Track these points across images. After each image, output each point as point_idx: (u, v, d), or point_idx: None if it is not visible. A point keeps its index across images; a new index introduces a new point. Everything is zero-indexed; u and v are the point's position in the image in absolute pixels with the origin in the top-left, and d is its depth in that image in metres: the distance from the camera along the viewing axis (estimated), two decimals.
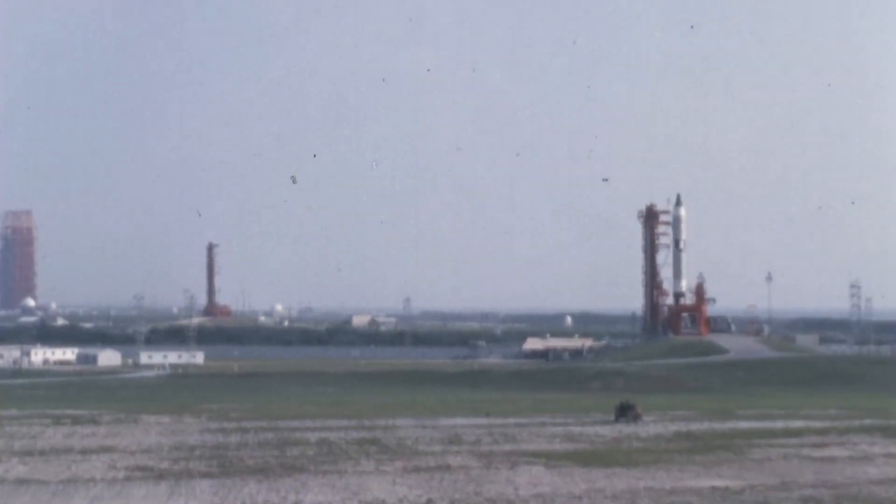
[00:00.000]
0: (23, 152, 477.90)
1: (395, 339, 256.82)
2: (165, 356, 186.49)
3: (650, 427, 65.17)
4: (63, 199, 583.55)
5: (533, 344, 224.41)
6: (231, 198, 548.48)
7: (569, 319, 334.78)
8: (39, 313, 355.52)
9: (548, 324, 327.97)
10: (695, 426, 66.41)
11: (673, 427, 65.42)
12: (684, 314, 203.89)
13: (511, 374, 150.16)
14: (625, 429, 64.16)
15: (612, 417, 69.33)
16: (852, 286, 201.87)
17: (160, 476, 44.73)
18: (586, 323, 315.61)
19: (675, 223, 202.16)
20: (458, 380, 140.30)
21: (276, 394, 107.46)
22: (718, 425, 67.35)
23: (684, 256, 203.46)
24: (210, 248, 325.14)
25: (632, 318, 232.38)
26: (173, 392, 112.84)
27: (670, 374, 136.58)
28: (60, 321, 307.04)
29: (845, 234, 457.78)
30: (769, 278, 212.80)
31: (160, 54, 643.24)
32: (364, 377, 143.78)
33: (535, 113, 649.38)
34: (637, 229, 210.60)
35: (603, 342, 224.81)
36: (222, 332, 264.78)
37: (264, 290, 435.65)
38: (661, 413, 74.59)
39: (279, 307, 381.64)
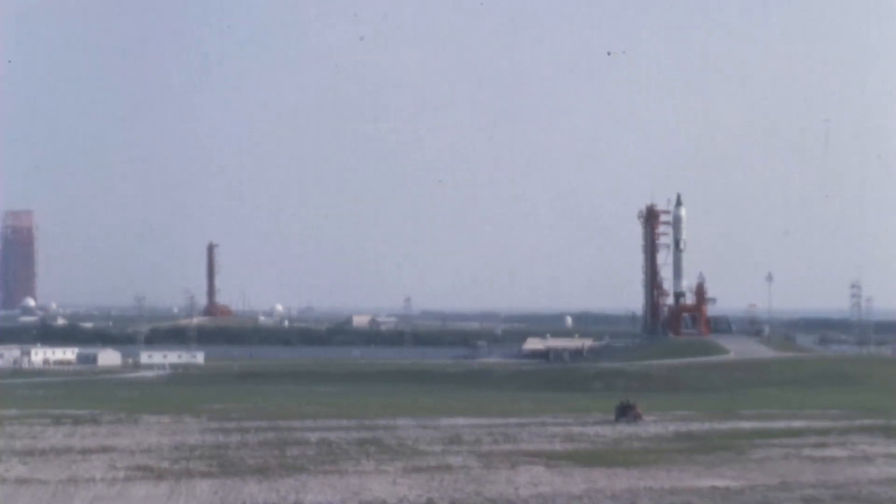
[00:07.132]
0: (23, 152, 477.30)
1: (396, 338, 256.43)
2: (165, 356, 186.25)
3: (650, 427, 65.16)
4: (63, 199, 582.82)
5: (533, 344, 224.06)
6: (231, 198, 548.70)
7: (569, 319, 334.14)
8: (39, 313, 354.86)
9: (548, 324, 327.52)
10: (695, 426, 66.42)
11: (673, 427, 65.42)
12: (685, 314, 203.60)
13: (511, 375, 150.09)
14: (625, 429, 64.14)
15: (613, 417, 69.30)
16: (852, 286, 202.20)
17: (160, 476, 44.73)
18: (586, 323, 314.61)
19: (676, 223, 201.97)
20: (458, 380, 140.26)
21: (276, 394, 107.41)
22: (719, 425, 67.35)
23: (684, 256, 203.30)
24: (210, 249, 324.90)
25: (632, 318, 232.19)
26: (173, 392, 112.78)
27: (671, 374, 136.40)
28: (60, 321, 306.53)
29: (845, 234, 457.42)
30: (769, 278, 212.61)
31: (161, 54, 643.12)
32: (364, 377, 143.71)
33: (535, 113, 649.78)
34: (637, 229, 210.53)
35: (603, 342, 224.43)
36: (222, 332, 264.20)
37: (264, 290, 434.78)
38: (661, 413, 74.57)
39: (279, 307, 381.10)
